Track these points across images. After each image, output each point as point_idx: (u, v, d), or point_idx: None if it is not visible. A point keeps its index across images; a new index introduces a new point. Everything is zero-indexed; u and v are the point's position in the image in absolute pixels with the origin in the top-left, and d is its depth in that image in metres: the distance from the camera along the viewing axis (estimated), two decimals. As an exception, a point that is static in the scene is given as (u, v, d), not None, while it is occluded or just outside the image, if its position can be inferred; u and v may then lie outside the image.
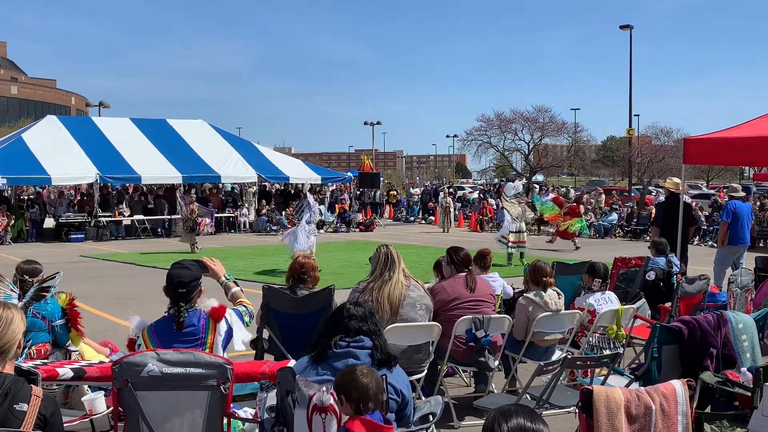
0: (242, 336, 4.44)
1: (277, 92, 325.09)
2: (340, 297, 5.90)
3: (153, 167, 25.80)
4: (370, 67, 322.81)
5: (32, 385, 3.10)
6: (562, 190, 37.65)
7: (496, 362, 6.15)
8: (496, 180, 70.97)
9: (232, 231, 27.36)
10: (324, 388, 3.42)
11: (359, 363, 3.55)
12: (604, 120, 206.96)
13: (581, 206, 22.85)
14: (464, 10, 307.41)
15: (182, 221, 21.33)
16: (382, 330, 3.79)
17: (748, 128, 9.60)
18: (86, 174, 24.50)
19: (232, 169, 27.47)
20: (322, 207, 27.96)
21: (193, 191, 26.82)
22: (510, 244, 16.69)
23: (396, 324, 5.48)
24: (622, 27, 36.91)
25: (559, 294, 6.43)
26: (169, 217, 26.63)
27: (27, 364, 4.07)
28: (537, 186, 26.07)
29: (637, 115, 58.33)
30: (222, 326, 4.29)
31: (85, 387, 4.78)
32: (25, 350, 5.17)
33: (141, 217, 26.32)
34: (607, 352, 6.33)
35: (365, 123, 63.34)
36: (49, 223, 26.13)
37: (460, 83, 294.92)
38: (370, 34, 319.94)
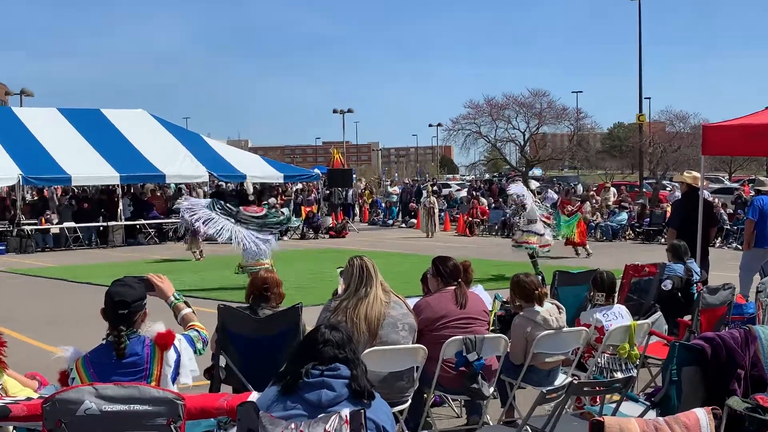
0: (192, 366, 4.42)
1: (230, 76, 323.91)
2: (309, 316, 5.91)
3: (85, 166, 25.60)
4: (340, 45, 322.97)
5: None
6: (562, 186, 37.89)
7: (491, 389, 6.17)
8: (487, 175, 71.29)
9: (181, 241, 27.21)
10: (293, 426, 3.41)
11: (334, 394, 3.55)
12: (610, 104, 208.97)
13: (583, 206, 22.96)
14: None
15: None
16: (360, 357, 3.79)
17: (776, 113, 9.74)
18: (6, 175, 24.22)
19: (178, 167, 27.32)
20: (285, 209, 27.92)
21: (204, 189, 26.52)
22: (536, 247, 16.27)
23: (375, 348, 5.48)
24: (629, -3, 37.29)
25: (559, 308, 6.47)
26: (105, 223, 26.44)
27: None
28: (536, 188, 26.01)
29: (648, 99, 58.63)
30: (170, 355, 4.26)
31: (11, 429, 4.72)
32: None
33: (72, 224, 26.10)
34: (618, 375, 6.38)
35: (334, 111, 63.44)
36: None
37: (445, 64, 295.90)
38: (340, 6, 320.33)
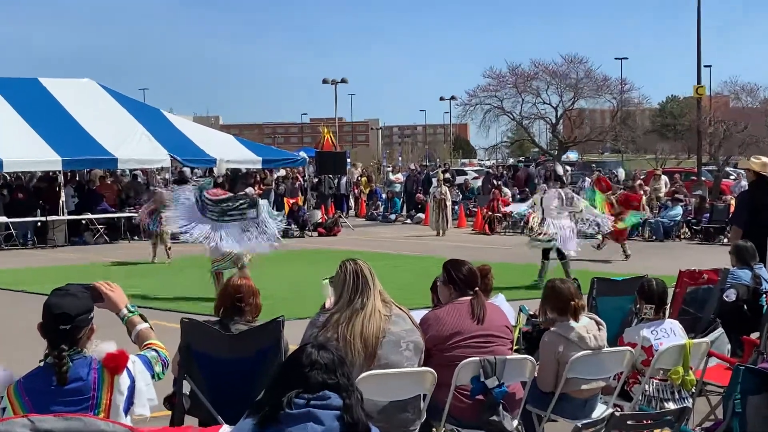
0: (149, 394, 4.42)
1: (198, 39, 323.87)
2: (292, 332, 5.91)
3: (20, 148, 25.56)
4: (332, 3, 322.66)
5: None
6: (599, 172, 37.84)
7: (515, 422, 6.18)
8: (510, 160, 71.27)
9: (135, 238, 27.25)
10: (272, 467, 3.41)
11: (323, 429, 3.56)
12: (662, 74, 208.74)
13: (642, 195, 22.86)
14: None
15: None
16: (355, 383, 3.80)
17: None
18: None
19: (133, 149, 27.31)
20: (264, 201, 27.85)
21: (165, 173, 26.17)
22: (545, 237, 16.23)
23: (373, 371, 5.49)
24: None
25: (599, 324, 6.47)
26: (43, 218, 26.43)
27: None
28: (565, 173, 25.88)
29: (709, 67, 58.54)
30: (123, 380, 4.26)
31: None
32: None
33: (3, 219, 26.09)
34: (670, 405, 6.39)
35: (324, 81, 63.28)
36: None
37: (460, 26, 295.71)
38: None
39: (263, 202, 16.03)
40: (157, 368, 4.56)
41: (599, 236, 17.62)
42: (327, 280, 6.61)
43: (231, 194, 15.55)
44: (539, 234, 16.32)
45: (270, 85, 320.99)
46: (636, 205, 21.48)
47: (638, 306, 7.17)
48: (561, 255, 16.25)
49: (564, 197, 16.64)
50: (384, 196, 38.69)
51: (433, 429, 6.06)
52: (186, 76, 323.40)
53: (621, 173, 30.84)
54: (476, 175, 51.15)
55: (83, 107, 28.48)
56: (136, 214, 25.30)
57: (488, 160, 79.10)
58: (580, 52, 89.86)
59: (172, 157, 27.64)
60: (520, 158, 74.24)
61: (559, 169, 20.55)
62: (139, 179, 32.09)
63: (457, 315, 6.16)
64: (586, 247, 17.83)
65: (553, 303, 6.51)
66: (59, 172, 27.07)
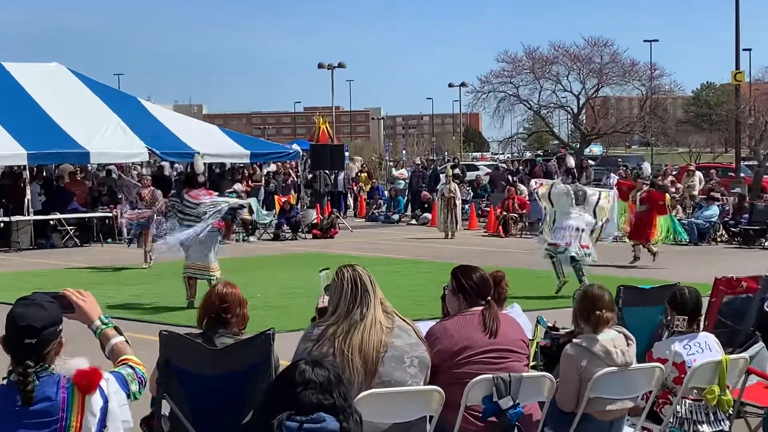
0: (124, 415, 4.41)
1: (179, 20, 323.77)
2: (284, 345, 5.91)
3: (-21, 140, 25.59)
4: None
5: None
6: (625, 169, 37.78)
7: (532, 447, 6.18)
8: (527, 154, 71.26)
9: (109, 240, 27.28)
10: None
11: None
12: (696, 58, 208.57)
13: (666, 194, 22.84)
14: None
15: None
16: (353, 404, 3.80)
17: None
18: None
19: (108, 141, 27.28)
20: (252, 200, 27.90)
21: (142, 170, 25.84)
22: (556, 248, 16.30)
23: (373, 390, 5.49)
24: None
25: (628, 339, 6.46)
26: (6, 218, 26.44)
27: None
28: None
29: (749, 51, 58.40)
30: (95, 400, 4.25)
31: None
32: None
33: (-37, 220, 26.12)
34: (705, 428, 6.38)
35: (320, 66, 63.36)
36: None
37: (470, 3, 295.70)
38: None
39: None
40: (134, 387, 4.55)
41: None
42: (325, 272, 6.56)
43: (216, 193, 15.59)
44: (553, 246, 16.31)
45: (259, 70, 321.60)
46: (661, 204, 21.37)
47: (669, 317, 7.17)
48: (572, 258, 16.23)
49: (574, 194, 16.55)
50: (386, 193, 38.71)
51: (441, 454, 6.06)
52: (166, 60, 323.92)
53: (646, 168, 30.34)
54: (489, 170, 51.05)
55: (51, 95, 28.43)
56: (110, 214, 25.31)
57: (502, 153, 79.11)
58: (604, 34, 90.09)
59: (150, 150, 27.59)
60: (538, 152, 74.25)
61: (570, 161, 20.40)
62: (114, 175, 32.05)
63: (468, 327, 6.14)
64: (610, 251, 17.83)
65: (584, 311, 6.46)
66: (24, 167, 27.05)
